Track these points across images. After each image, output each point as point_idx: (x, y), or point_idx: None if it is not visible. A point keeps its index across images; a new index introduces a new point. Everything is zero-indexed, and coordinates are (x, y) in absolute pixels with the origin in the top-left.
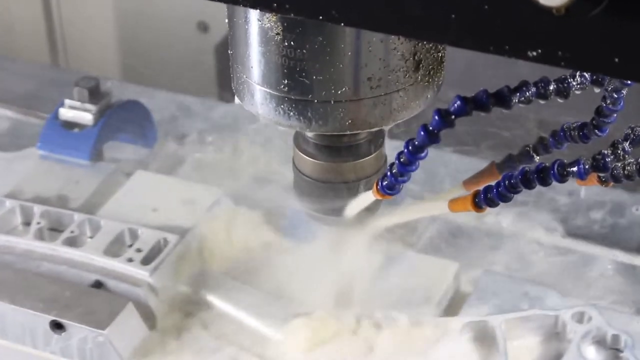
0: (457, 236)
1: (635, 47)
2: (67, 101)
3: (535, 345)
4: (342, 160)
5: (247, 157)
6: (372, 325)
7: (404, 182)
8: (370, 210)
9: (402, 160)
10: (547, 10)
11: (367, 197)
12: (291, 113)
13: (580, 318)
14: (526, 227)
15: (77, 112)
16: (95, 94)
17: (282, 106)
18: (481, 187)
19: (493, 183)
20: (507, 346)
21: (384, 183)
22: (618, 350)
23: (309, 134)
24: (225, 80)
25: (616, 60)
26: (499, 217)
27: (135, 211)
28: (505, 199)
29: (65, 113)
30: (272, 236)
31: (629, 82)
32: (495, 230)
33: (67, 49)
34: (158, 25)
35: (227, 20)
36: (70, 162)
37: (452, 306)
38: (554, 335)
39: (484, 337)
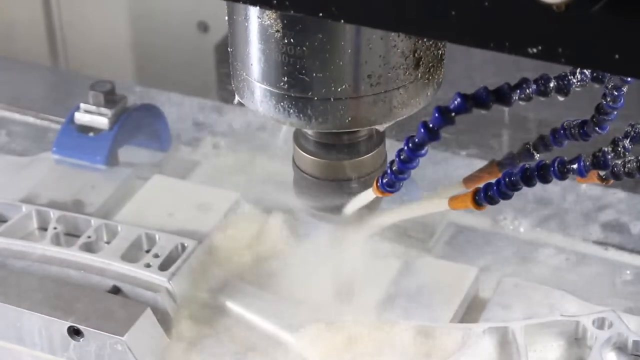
0: (475, 241)
1: (635, 44)
2: (83, 105)
3: (556, 351)
4: (342, 158)
5: (262, 161)
6: (391, 331)
7: (404, 179)
8: (370, 207)
9: (402, 157)
10: (547, 6)
11: (367, 195)
12: (291, 110)
13: (601, 324)
14: (545, 232)
15: (92, 116)
16: (110, 98)
17: (282, 104)
18: (481, 185)
19: (493, 180)
20: (528, 352)
21: (384, 180)
22: (639, 356)
23: (309, 132)
24: (225, 81)
25: (616, 56)
26: (516, 222)
27: (152, 216)
28: (506, 196)
29: (81, 117)
30: (290, 240)
31: (629, 79)
32: (515, 236)
33: (67, 49)
34: (158, 26)
35: (227, 18)
36: (86, 167)
37: (472, 312)
38: (575, 341)
39: (505, 343)
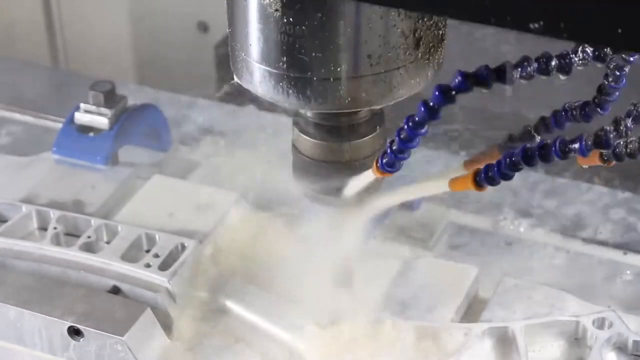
0: (475, 241)
1: (638, 18)
2: (83, 105)
3: (556, 351)
4: (342, 139)
5: (262, 160)
6: (391, 331)
7: (404, 159)
8: (370, 190)
9: (402, 136)
10: None
11: (367, 176)
12: (290, 91)
13: (601, 324)
14: (545, 232)
15: (92, 116)
16: (110, 98)
17: (281, 84)
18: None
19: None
20: (528, 352)
21: (384, 160)
22: (639, 356)
23: (309, 113)
24: (225, 80)
25: (619, 31)
26: (516, 222)
27: (151, 216)
28: (506, 177)
29: (81, 117)
30: (289, 240)
31: (631, 58)
32: (514, 235)
33: (67, 49)
34: (158, 26)
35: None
36: (86, 167)
37: (472, 312)
38: (575, 341)
39: (505, 343)
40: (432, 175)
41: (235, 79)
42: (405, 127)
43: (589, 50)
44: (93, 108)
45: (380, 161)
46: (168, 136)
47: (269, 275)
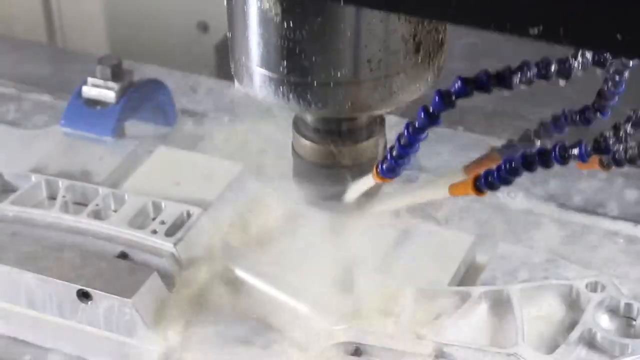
0: (472, 209)
1: (638, 23)
2: (90, 79)
3: (550, 314)
4: (342, 144)
5: (265, 135)
6: (391, 295)
7: (404, 164)
8: (370, 195)
9: (402, 142)
10: None
11: (367, 181)
12: (290, 95)
13: (594, 287)
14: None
15: (99, 90)
16: (117, 72)
17: (281, 88)
18: (482, 171)
19: (494, 167)
20: (523, 314)
21: (384, 166)
22: (631, 318)
23: (309, 117)
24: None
25: (619, 36)
26: (512, 194)
27: (157, 185)
28: (506, 182)
29: (88, 91)
30: (294, 209)
31: (631, 63)
32: (510, 204)
33: (67, 50)
34: (158, 25)
35: (225, 3)
36: (93, 139)
37: (468, 278)
38: (569, 304)
39: (501, 305)
40: (431, 180)
41: (236, 83)
42: (405, 132)
43: (588, 55)
44: (100, 82)
45: (380, 166)
46: (173, 111)
47: (272, 242)
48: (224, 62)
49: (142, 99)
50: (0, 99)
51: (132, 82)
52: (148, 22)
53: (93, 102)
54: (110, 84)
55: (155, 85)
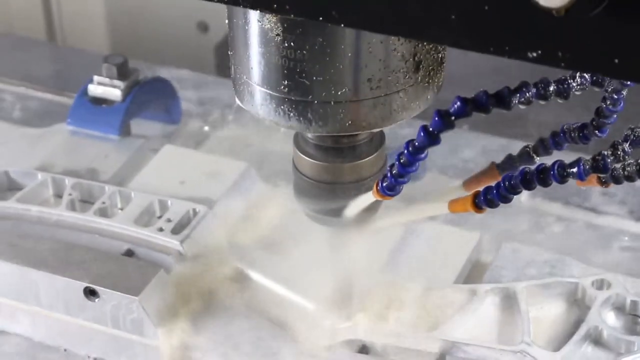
0: None
1: (635, 48)
2: (96, 77)
3: (556, 311)
4: (342, 161)
5: (269, 133)
6: (397, 292)
7: (404, 183)
8: (370, 211)
9: (402, 161)
10: (547, 11)
11: (367, 198)
12: (291, 114)
13: (600, 285)
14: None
15: (105, 88)
16: (123, 71)
17: (282, 107)
18: (481, 188)
19: (493, 184)
20: (529, 312)
21: (384, 184)
22: (637, 316)
23: (309, 135)
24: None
25: (616, 61)
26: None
27: (163, 184)
28: (505, 199)
29: (94, 89)
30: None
31: (629, 83)
32: (515, 202)
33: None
34: (158, 25)
35: (227, 21)
36: (99, 137)
37: (474, 276)
38: (575, 301)
39: (506, 303)
40: (431, 197)
41: (237, 100)
42: (405, 152)
43: (587, 75)
44: (106, 80)
45: (380, 184)
46: (179, 110)
47: (278, 241)
48: (223, 62)
49: (148, 97)
50: (5, 97)
51: (137, 81)
52: (148, 22)
53: (99, 101)
54: (116, 82)
55: (161, 84)
